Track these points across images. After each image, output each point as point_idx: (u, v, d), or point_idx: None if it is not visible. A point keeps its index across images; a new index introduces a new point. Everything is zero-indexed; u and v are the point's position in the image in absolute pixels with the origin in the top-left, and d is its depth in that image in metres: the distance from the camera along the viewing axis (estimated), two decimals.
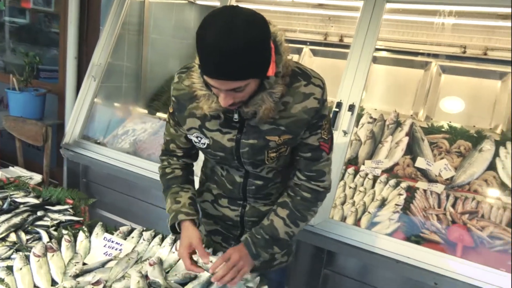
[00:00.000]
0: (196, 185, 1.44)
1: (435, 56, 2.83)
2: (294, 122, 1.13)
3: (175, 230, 1.29)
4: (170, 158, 1.37)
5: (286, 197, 1.28)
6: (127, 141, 2.87)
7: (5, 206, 1.62)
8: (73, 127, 2.77)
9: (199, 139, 1.22)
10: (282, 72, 1.06)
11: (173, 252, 1.40)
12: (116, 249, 1.43)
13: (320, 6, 2.96)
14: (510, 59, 2.55)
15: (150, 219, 2.56)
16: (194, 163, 1.43)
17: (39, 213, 1.60)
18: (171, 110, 1.28)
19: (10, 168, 2.82)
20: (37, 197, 1.74)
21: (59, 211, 1.64)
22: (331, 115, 1.97)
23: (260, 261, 1.27)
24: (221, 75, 0.96)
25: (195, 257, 1.23)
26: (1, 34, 3.98)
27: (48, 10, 3.81)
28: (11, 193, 1.70)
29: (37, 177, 2.67)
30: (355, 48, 2.03)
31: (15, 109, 2.97)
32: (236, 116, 1.12)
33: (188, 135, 1.26)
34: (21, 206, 1.63)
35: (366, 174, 2.35)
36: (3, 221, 1.49)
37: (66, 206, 1.68)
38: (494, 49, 2.63)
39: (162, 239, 1.47)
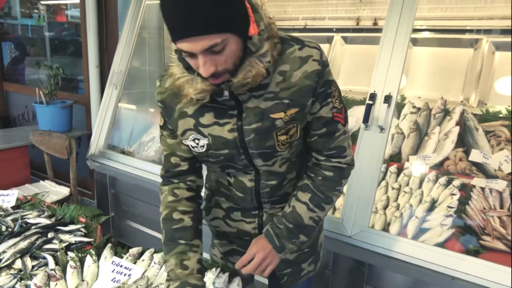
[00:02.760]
0: None
1: (486, 32, 2.47)
2: (298, 91, 0.99)
3: None
4: (176, 186, 1.15)
5: (306, 179, 1.13)
6: (153, 148, 2.77)
7: (16, 228, 1.54)
8: (97, 138, 2.71)
9: (197, 141, 1.06)
10: (267, 33, 0.93)
11: None
12: (125, 275, 1.29)
13: None
14: None
15: None
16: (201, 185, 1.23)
17: (50, 235, 1.50)
18: (161, 122, 1.13)
19: (41, 182, 2.82)
20: (50, 216, 1.65)
21: (70, 232, 1.53)
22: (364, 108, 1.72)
23: (286, 253, 1.15)
24: (191, 29, 0.83)
25: None
26: (43, 50, 4.08)
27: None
28: (23, 213, 1.63)
29: (65, 190, 2.64)
30: (388, 31, 1.77)
31: (43, 122, 2.97)
32: (226, 93, 0.97)
33: (184, 142, 1.09)
34: (32, 227, 1.55)
35: (412, 172, 2.07)
36: (10, 246, 1.40)
37: (78, 226, 1.57)
38: None
39: None
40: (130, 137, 2.86)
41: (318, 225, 1.15)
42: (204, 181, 1.26)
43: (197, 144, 1.06)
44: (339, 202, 1.92)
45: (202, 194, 1.26)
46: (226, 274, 1.22)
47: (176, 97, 1.03)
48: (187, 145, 1.09)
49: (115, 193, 2.71)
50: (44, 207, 1.72)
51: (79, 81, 3.63)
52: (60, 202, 2.36)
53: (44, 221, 1.59)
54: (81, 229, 1.56)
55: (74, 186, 2.59)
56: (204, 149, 1.07)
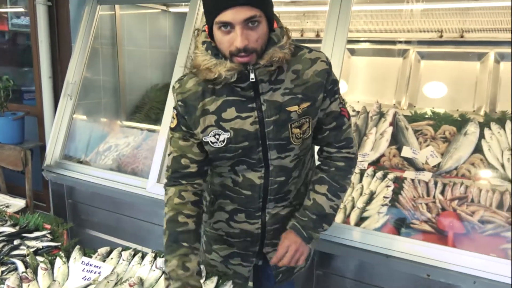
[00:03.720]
0: None
1: (413, 43, 2.81)
2: (310, 87, 1.15)
3: None
4: (183, 188, 1.20)
5: (321, 173, 1.28)
6: (110, 157, 2.82)
7: None
8: (53, 148, 2.72)
9: (217, 136, 1.16)
10: (284, 31, 1.10)
11: (153, 270, 1.36)
12: (95, 273, 1.38)
13: (293, 3, 2.93)
14: (486, 40, 2.54)
15: (140, 234, 2.51)
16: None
17: (16, 242, 1.55)
18: (173, 124, 1.21)
19: None
20: (14, 225, 1.69)
21: (36, 238, 1.59)
22: None
23: (313, 243, 1.28)
24: None
25: None
26: None
27: (27, 30, 3.77)
28: None
29: (21, 203, 2.62)
30: (326, 42, 1.99)
31: None
32: (252, 76, 1.08)
33: (204, 139, 1.18)
34: None
35: None
36: None
37: (44, 232, 1.63)
38: (470, 31, 2.61)
39: (142, 258, 1.42)
40: (87, 147, 2.88)
41: (337, 212, 1.31)
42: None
43: (217, 139, 1.16)
44: None
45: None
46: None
47: (199, 96, 1.15)
48: (207, 142, 1.17)
49: (73, 202, 2.73)
50: (6, 217, 1.75)
51: (24, 91, 3.56)
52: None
53: (9, 229, 1.63)
54: (47, 235, 1.61)
55: (30, 197, 2.57)
56: (223, 144, 1.16)
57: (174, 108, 1.21)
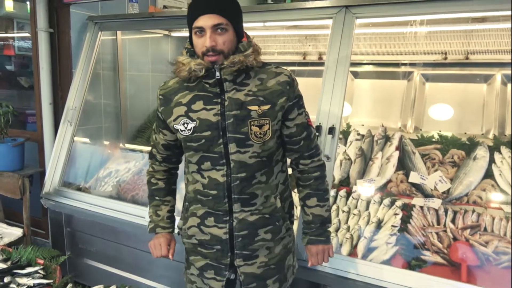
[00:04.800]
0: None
1: (417, 65, 2.77)
2: (271, 93, 1.31)
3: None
4: (154, 163, 1.55)
5: (304, 189, 1.46)
6: (110, 183, 2.76)
7: None
8: (52, 176, 2.67)
9: (186, 125, 1.34)
10: (252, 46, 1.30)
11: None
12: None
13: (295, 27, 2.92)
14: (492, 61, 2.49)
15: (140, 265, 2.42)
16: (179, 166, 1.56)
17: (6, 280, 1.48)
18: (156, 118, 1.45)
19: None
20: (5, 260, 1.62)
21: (28, 274, 1.52)
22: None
23: (330, 239, 1.49)
24: (210, 7, 1.24)
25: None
26: None
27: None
28: None
29: (18, 232, 2.55)
30: (329, 65, 1.95)
31: None
32: (218, 74, 1.28)
33: (175, 126, 1.36)
34: None
35: (359, 195, 2.24)
36: None
37: (36, 268, 1.56)
38: (475, 53, 2.56)
39: None
40: (87, 173, 2.83)
41: (331, 210, 1.50)
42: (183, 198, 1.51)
43: (185, 127, 1.34)
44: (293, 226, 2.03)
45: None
46: None
47: (176, 91, 1.36)
48: (177, 129, 1.36)
49: (71, 231, 2.66)
50: None
51: (28, 114, 3.54)
52: (13, 244, 2.28)
53: (0, 265, 1.56)
54: (39, 271, 1.55)
55: (28, 226, 2.50)
56: (190, 132, 1.33)
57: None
